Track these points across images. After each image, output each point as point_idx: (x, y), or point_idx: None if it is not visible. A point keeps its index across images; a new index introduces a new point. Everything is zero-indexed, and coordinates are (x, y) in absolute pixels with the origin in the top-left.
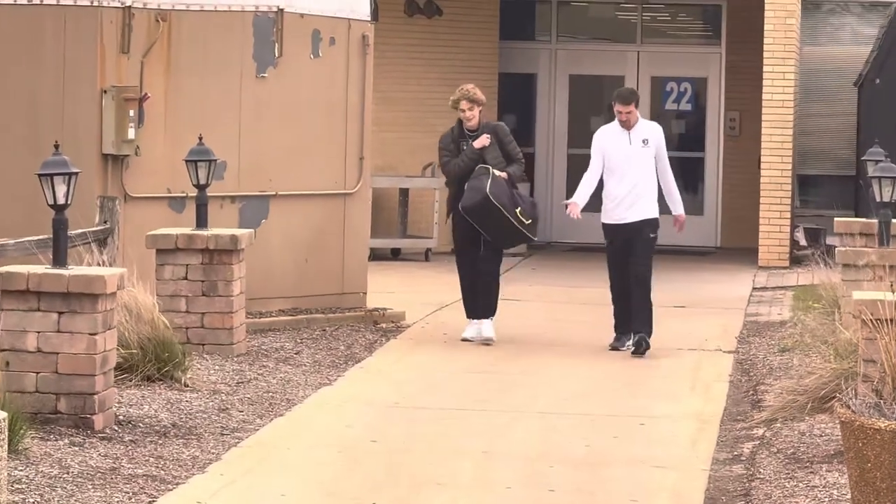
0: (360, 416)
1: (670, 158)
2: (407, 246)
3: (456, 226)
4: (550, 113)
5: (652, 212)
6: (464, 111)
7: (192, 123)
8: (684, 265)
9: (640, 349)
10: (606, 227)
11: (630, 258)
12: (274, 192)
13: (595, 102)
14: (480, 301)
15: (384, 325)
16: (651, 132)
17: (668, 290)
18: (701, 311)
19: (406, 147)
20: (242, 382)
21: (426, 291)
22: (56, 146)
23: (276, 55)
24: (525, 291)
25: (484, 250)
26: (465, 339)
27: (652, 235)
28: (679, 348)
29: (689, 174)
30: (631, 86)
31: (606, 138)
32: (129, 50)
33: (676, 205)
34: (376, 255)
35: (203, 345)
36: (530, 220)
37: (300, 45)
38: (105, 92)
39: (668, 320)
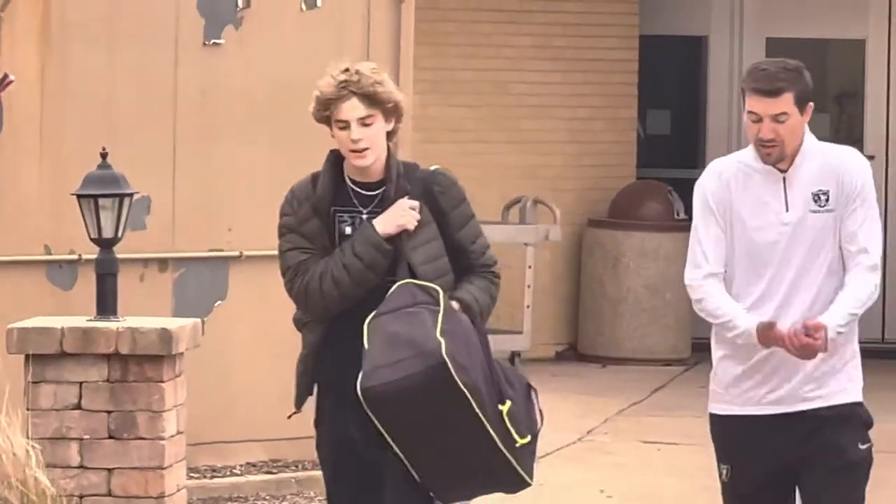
0: None
1: None
2: None
3: (327, 431)
4: (733, 104)
5: (852, 385)
6: (345, 127)
7: (89, 130)
8: None
9: None
10: (720, 425)
11: None
12: (237, 253)
13: (815, 87)
14: None
15: None
16: (835, 174)
17: None
18: None
19: (476, 169)
20: None
21: None
22: None
23: (239, 5)
24: (696, 427)
25: (393, 490)
26: None
27: (862, 447)
28: None
29: None
30: (878, 57)
31: (728, 193)
32: None
33: (834, 312)
34: None
35: None
36: (528, 438)
37: None
38: None
39: None
